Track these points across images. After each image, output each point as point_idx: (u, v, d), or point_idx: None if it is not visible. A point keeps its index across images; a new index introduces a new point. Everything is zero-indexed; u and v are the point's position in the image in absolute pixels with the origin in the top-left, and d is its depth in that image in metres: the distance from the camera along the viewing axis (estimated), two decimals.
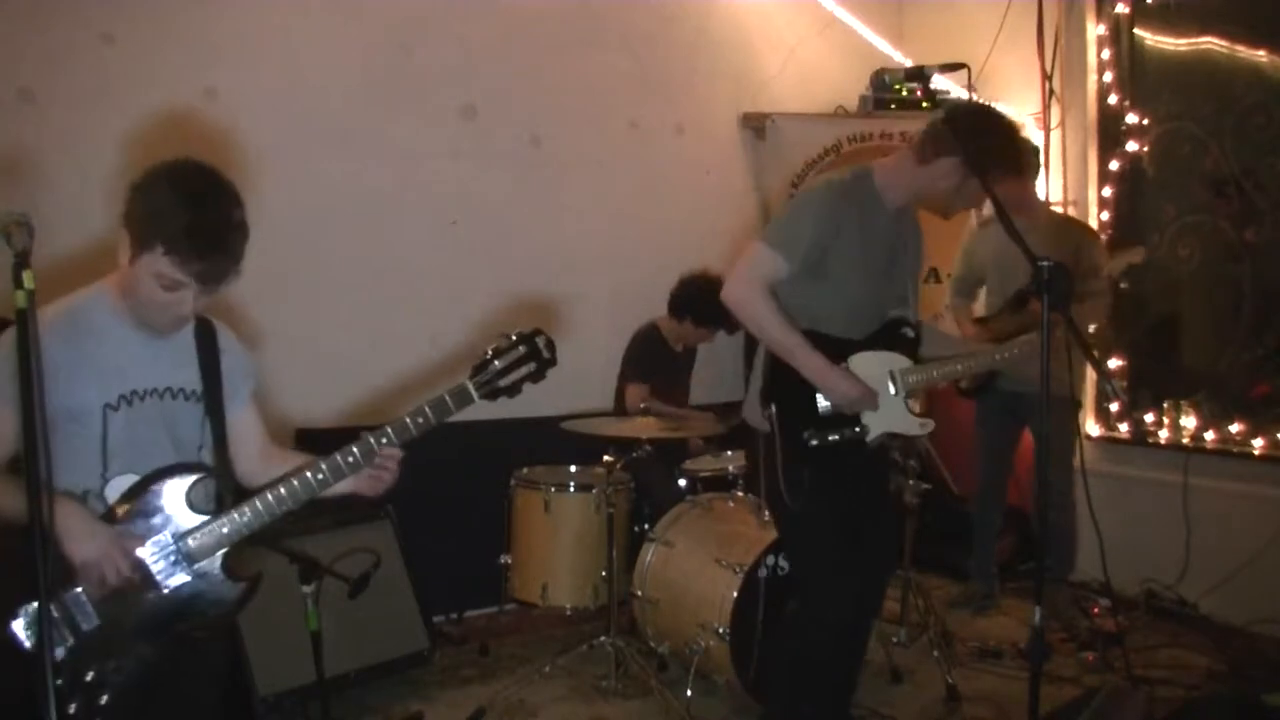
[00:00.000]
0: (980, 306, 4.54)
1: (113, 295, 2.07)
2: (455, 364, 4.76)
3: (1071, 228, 4.37)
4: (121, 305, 2.07)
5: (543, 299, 4.94)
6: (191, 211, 1.94)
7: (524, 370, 2.18)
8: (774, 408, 2.76)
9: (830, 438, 2.78)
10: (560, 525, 3.98)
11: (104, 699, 1.94)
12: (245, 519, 2.07)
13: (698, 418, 4.52)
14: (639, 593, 3.84)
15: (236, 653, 3.33)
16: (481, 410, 5.01)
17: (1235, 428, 4.34)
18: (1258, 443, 4.27)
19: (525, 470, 4.15)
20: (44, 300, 1.85)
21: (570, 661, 3.81)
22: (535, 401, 5.07)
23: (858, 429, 2.82)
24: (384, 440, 2.14)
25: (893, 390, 2.88)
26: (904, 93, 5.43)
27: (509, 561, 4.08)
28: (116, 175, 3.47)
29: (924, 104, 5.34)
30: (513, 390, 2.19)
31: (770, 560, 3.50)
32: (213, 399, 2.15)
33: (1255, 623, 4.09)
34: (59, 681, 1.84)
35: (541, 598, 3.97)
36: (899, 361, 2.90)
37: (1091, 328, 4.39)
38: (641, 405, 4.20)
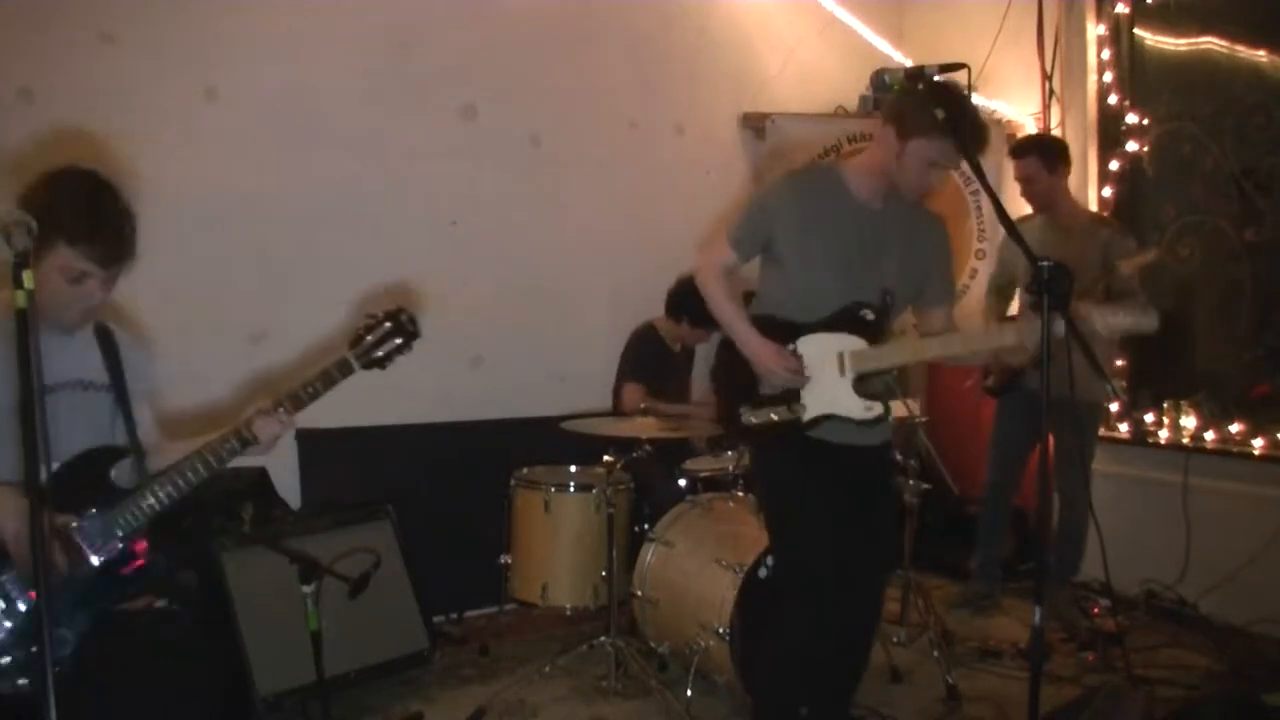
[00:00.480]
0: (1014, 308, 4.55)
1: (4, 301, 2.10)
2: (455, 364, 4.76)
3: (1102, 228, 4.27)
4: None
5: (542, 299, 4.95)
6: (85, 202, 2.15)
7: (393, 343, 2.41)
8: (714, 387, 2.93)
9: (770, 416, 2.83)
10: (560, 525, 3.98)
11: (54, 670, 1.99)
12: (167, 491, 2.22)
13: (696, 412, 4.52)
14: (639, 593, 3.84)
15: (236, 652, 3.34)
16: (481, 410, 5.05)
17: (1235, 428, 4.34)
18: (1258, 443, 4.27)
19: (525, 470, 4.15)
20: None
21: (570, 661, 3.81)
22: (535, 401, 5.12)
23: (793, 407, 2.83)
24: (281, 410, 2.33)
25: (840, 372, 2.85)
26: None
27: (509, 561, 4.08)
28: (117, 175, 3.49)
29: None
30: (385, 361, 2.42)
31: (770, 560, 3.49)
32: (119, 389, 2.34)
33: (1255, 623, 4.09)
34: (6, 660, 2.04)
35: (541, 598, 3.97)
36: (851, 343, 2.85)
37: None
38: (641, 406, 4.19)
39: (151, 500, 2.21)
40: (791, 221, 2.81)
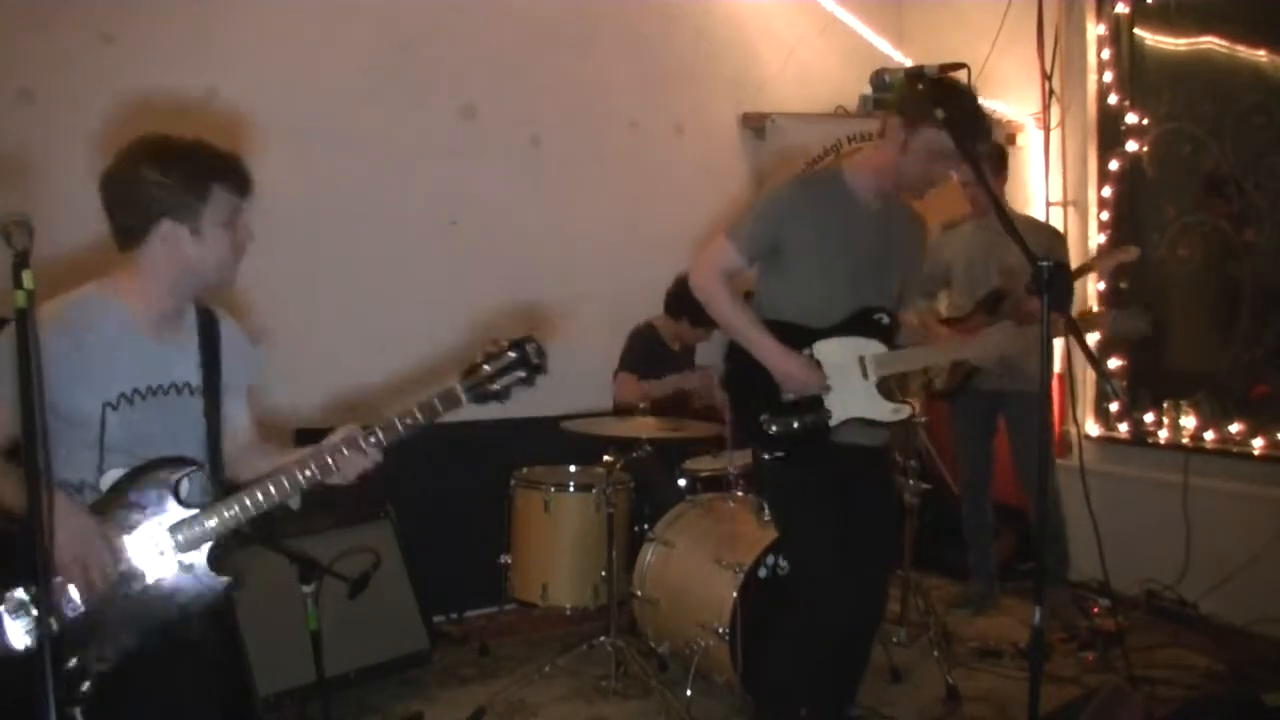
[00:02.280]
0: (943, 308, 4.55)
1: (117, 296, 2.08)
2: (454, 364, 4.74)
3: (1039, 229, 4.34)
4: (127, 305, 2.08)
5: (542, 298, 4.94)
6: (207, 147, 2.07)
7: (513, 376, 2.22)
8: (729, 394, 2.90)
9: (793, 424, 2.80)
10: (560, 525, 3.98)
11: (85, 686, 1.95)
12: (233, 513, 2.09)
13: (689, 381, 4.53)
14: (639, 593, 3.84)
15: (236, 652, 3.34)
16: (481, 410, 5.02)
17: (1235, 428, 4.34)
18: (1257, 443, 4.27)
19: (525, 470, 4.16)
20: (42, 299, 1.86)
21: (570, 661, 3.81)
22: (535, 401, 5.08)
23: (820, 413, 2.82)
24: (373, 440, 2.18)
25: (863, 375, 2.86)
26: None
27: (509, 561, 4.08)
28: None
29: None
30: (502, 395, 2.23)
31: (770, 560, 3.50)
32: (211, 393, 2.18)
33: (1255, 623, 4.09)
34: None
35: (541, 598, 3.97)
36: (871, 347, 2.87)
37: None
38: (641, 406, 4.20)
39: (215, 522, 2.07)
40: (801, 228, 2.80)
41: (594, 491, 3.95)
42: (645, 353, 4.58)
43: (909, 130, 2.71)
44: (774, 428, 2.81)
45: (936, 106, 2.56)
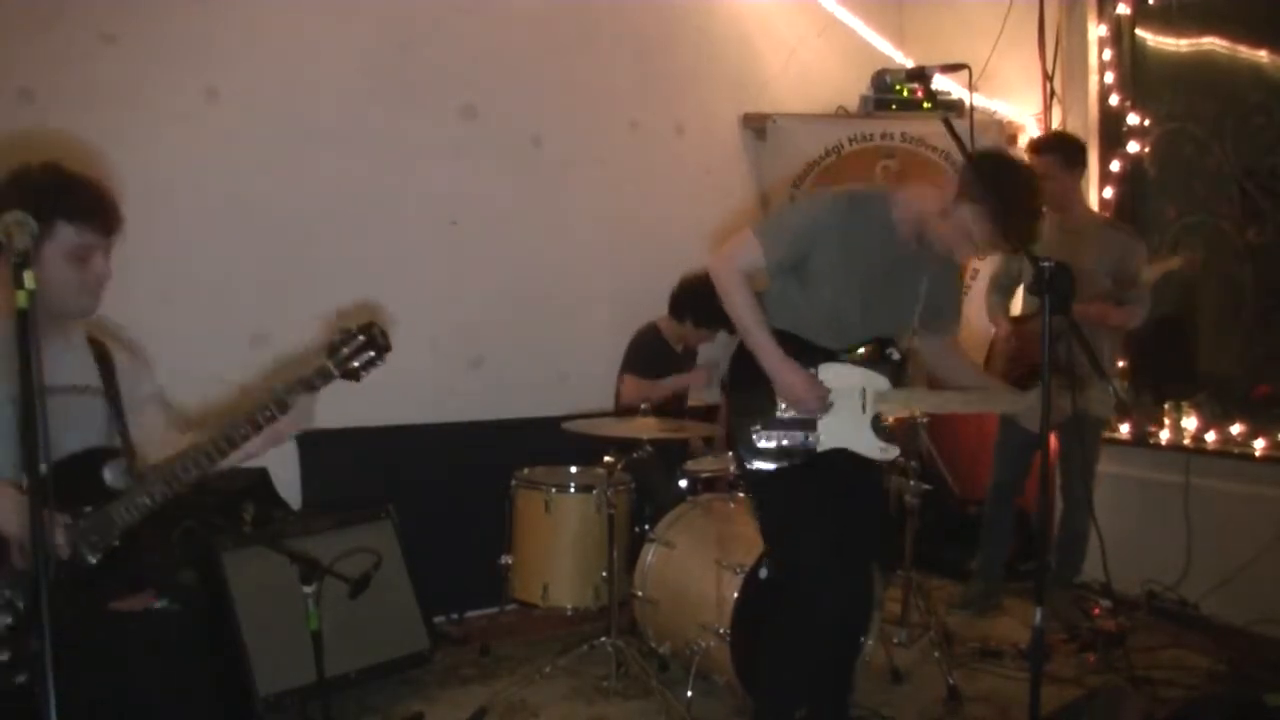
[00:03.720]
0: (1018, 305, 4.55)
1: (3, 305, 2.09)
2: (453, 363, 4.76)
3: (1117, 234, 4.29)
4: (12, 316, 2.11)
5: (543, 299, 4.94)
6: (70, 180, 2.20)
7: (368, 355, 2.41)
8: (727, 397, 2.88)
9: (782, 442, 2.79)
10: (561, 526, 3.98)
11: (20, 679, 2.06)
12: (160, 489, 2.24)
13: (689, 381, 4.53)
14: (639, 593, 3.84)
15: (236, 652, 3.34)
16: (482, 410, 5.04)
17: (1237, 429, 4.34)
18: (1259, 444, 4.26)
19: (526, 471, 4.15)
20: None
21: (571, 662, 3.80)
22: (536, 402, 5.12)
23: (809, 437, 2.80)
24: (267, 413, 2.32)
25: (861, 408, 2.84)
26: (905, 93, 5.42)
27: (510, 562, 4.07)
28: (117, 176, 3.49)
29: (925, 104, 5.34)
30: (361, 372, 2.42)
31: (768, 560, 3.49)
32: (113, 395, 2.36)
33: (1256, 623, 4.09)
34: (4, 657, 2.05)
35: (542, 598, 3.97)
36: (876, 381, 2.84)
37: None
38: (643, 406, 4.20)
39: (145, 498, 2.23)
40: (836, 246, 2.73)
41: (595, 492, 3.95)
42: (649, 355, 4.57)
43: (957, 200, 2.63)
44: (762, 441, 2.80)
45: (1001, 191, 2.49)
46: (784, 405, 2.81)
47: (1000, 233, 2.57)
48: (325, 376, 2.39)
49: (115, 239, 2.26)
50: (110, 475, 2.29)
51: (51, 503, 1.83)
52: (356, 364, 2.40)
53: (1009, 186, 2.54)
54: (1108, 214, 4.70)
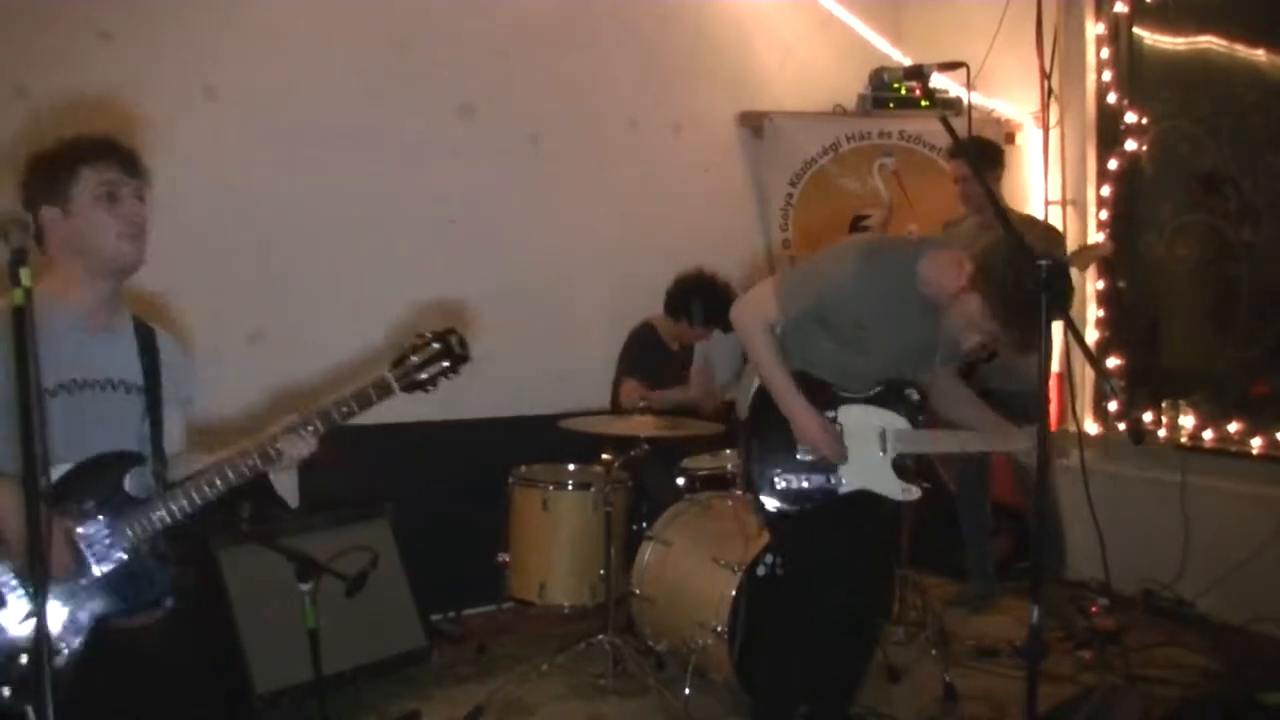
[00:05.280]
0: None
1: (49, 296, 2.06)
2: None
3: (1036, 227, 4.33)
4: (61, 303, 2.10)
5: (540, 297, 4.94)
6: (78, 137, 2.15)
7: (439, 366, 2.27)
8: (747, 440, 2.86)
9: (803, 484, 2.80)
10: (558, 523, 3.98)
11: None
12: (180, 504, 2.12)
13: (691, 390, 4.53)
14: (637, 591, 3.84)
15: (233, 649, 3.34)
16: (480, 409, 5.04)
17: (1233, 427, 4.34)
18: (1256, 442, 4.27)
19: (523, 468, 4.16)
20: None
21: (568, 660, 3.81)
22: (534, 399, 5.11)
23: (830, 480, 2.81)
24: (310, 429, 2.20)
25: (881, 449, 2.84)
26: (903, 91, 5.43)
27: (507, 560, 4.08)
28: None
29: (923, 103, 5.34)
30: (429, 385, 2.28)
31: (768, 559, 3.50)
32: (152, 394, 2.21)
33: (1253, 622, 4.09)
34: None
35: (539, 596, 3.97)
36: (895, 422, 2.85)
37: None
38: (641, 404, 4.20)
39: (163, 513, 2.11)
40: (856, 307, 2.72)
41: (592, 490, 3.95)
42: (645, 354, 4.58)
43: (969, 288, 2.59)
44: (783, 484, 2.80)
45: (1007, 300, 2.47)
46: (804, 449, 2.81)
47: (1003, 328, 2.55)
48: (384, 390, 2.23)
49: (145, 184, 2.19)
50: (131, 483, 2.13)
51: (49, 512, 1.75)
52: (424, 375, 2.26)
53: (1014, 285, 2.45)
54: (1105, 211, 4.71)
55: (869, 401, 2.83)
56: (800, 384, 2.78)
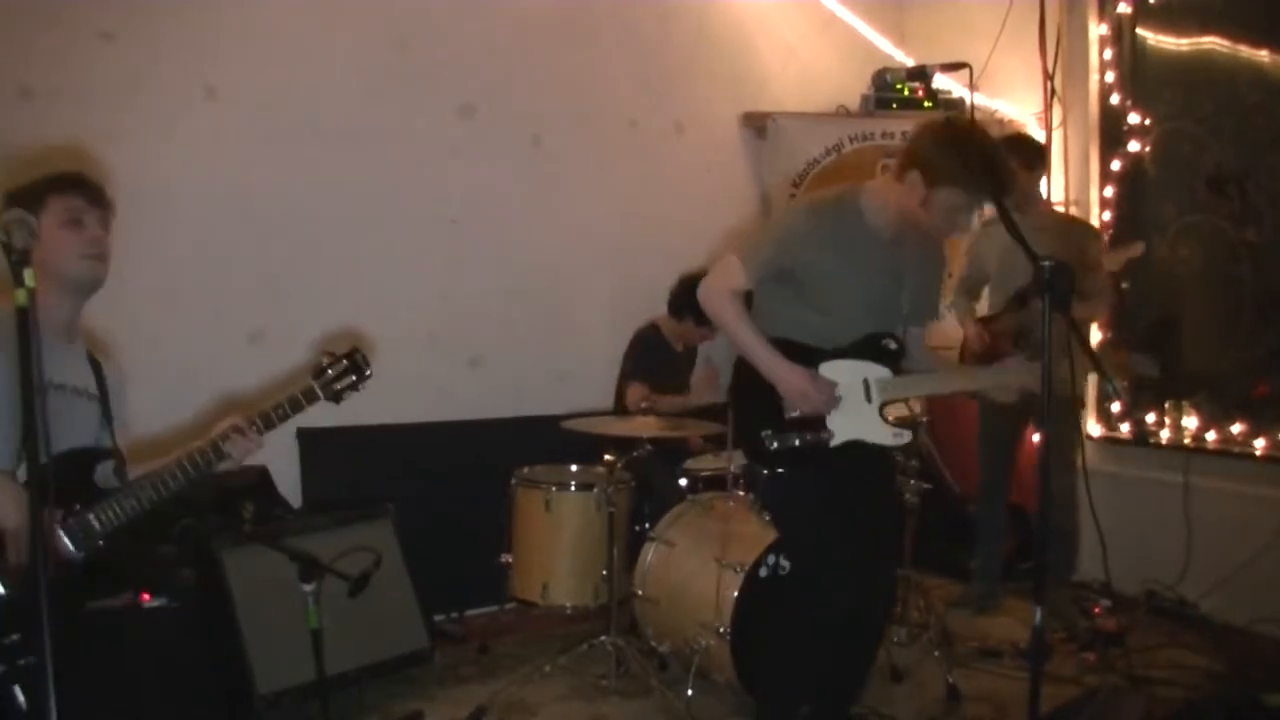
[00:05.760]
0: (984, 305, 4.54)
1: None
2: (453, 362, 4.76)
3: (1074, 226, 4.38)
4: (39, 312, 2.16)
5: (542, 297, 4.94)
6: (50, 173, 2.34)
7: (350, 379, 2.54)
8: (732, 410, 2.89)
9: (793, 442, 2.79)
10: (561, 524, 3.98)
11: (22, 662, 2.07)
12: (148, 495, 2.30)
13: (699, 392, 4.53)
14: (639, 592, 3.84)
15: (235, 650, 3.34)
16: (481, 410, 5.04)
17: (1236, 428, 4.34)
18: (1259, 443, 4.26)
19: (526, 469, 4.15)
20: None
21: (570, 660, 3.80)
22: (536, 400, 5.12)
23: (821, 434, 2.81)
24: (254, 427, 2.42)
25: (866, 398, 2.86)
26: (905, 92, 5.42)
27: (509, 560, 4.07)
28: (116, 174, 3.49)
29: (925, 103, 5.33)
30: (342, 395, 2.54)
31: (771, 560, 3.50)
32: (105, 403, 2.46)
33: (1256, 623, 4.09)
34: None
35: (542, 597, 3.97)
36: (876, 371, 2.87)
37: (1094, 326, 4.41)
38: (643, 405, 4.19)
39: (133, 501, 2.28)
40: (817, 255, 2.78)
41: (595, 491, 3.95)
42: (649, 355, 4.57)
43: (930, 188, 2.68)
44: (775, 444, 2.80)
45: (965, 158, 2.59)
46: (793, 408, 2.81)
47: (977, 196, 2.66)
48: (311, 397, 2.51)
49: (109, 213, 2.38)
50: (101, 475, 2.36)
51: (52, 500, 1.83)
52: (339, 386, 2.52)
53: (964, 153, 2.63)
54: (1107, 212, 4.71)
55: (848, 355, 2.85)
56: (782, 351, 2.81)
